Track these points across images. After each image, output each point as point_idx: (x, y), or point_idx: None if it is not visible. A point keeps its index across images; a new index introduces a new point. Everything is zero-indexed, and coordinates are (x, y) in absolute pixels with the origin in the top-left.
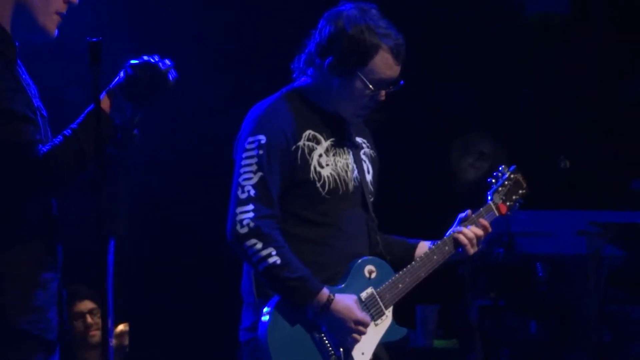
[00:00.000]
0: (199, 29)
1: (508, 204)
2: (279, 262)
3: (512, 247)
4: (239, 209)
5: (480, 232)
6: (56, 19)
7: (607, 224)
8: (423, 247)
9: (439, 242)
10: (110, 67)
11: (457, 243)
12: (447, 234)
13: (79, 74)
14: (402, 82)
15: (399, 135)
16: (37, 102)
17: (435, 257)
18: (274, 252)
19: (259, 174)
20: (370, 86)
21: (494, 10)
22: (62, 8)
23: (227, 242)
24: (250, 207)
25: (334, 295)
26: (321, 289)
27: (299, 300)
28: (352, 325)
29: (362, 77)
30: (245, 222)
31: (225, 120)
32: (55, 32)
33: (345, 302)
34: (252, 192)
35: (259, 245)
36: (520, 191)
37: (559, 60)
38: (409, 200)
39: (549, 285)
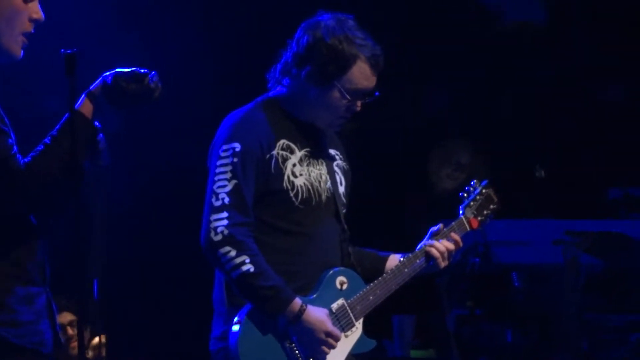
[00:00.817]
0: (179, 41)
1: (479, 218)
2: (252, 270)
3: (488, 256)
4: (213, 217)
5: (451, 246)
6: (21, 40)
7: (584, 232)
8: (394, 260)
9: (410, 255)
10: (92, 77)
11: (428, 256)
12: (418, 247)
13: (57, 84)
14: (377, 93)
15: (375, 144)
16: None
17: (406, 269)
18: (247, 260)
19: (234, 181)
20: (348, 96)
21: (473, 18)
22: (29, 27)
23: (200, 250)
24: (225, 214)
25: (306, 306)
26: (294, 298)
27: (271, 309)
28: (323, 336)
29: (340, 86)
30: (219, 230)
31: (206, 131)
32: (21, 53)
33: (317, 314)
34: (227, 200)
35: (233, 253)
36: (492, 206)
37: (536, 68)
38: (383, 210)
39: (526, 294)
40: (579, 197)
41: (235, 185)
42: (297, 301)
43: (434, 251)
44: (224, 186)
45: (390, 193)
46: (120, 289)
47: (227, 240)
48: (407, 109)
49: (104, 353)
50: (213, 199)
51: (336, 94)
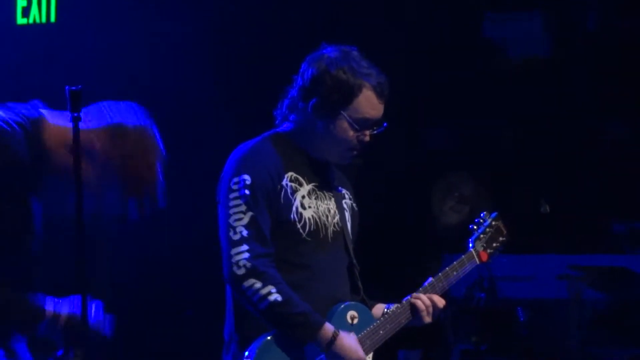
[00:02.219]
0: (186, 80)
1: (489, 251)
2: (280, 299)
3: (493, 291)
4: (234, 251)
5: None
6: None
7: (588, 267)
8: (379, 308)
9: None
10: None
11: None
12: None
13: None
14: (385, 123)
15: (378, 179)
16: None
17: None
18: (273, 290)
19: (249, 213)
20: (356, 125)
21: (476, 53)
22: None
23: (225, 283)
24: (245, 247)
25: (338, 331)
26: (324, 323)
27: (303, 336)
28: None
29: (347, 116)
30: (241, 263)
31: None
32: None
33: (350, 341)
34: (245, 232)
35: (258, 285)
36: (501, 238)
37: (539, 103)
38: (389, 245)
39: (530, 329)
40: (583, 232)
41: (251, 217)
42: (329, 325)
43: (419, 303)
44: (240, 219)
45: (392, 228)
46: (127, 321)
47: (250, 273)
48: (409, 142)
49: None
50: (231, 233)
51: (344, 124)
